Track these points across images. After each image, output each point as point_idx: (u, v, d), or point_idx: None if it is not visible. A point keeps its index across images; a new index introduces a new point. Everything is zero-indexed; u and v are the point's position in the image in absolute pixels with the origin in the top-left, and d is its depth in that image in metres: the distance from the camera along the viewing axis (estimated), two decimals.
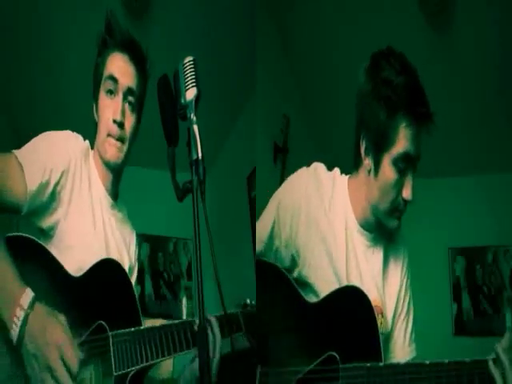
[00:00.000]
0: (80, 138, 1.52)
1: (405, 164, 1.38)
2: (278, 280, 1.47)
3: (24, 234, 1.32)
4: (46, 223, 1.41)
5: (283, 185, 1.57)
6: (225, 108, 3.76)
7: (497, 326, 4.02)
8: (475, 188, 4.11)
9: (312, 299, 1.43)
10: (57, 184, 1.39)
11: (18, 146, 1.40)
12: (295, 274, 1.48)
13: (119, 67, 1.53)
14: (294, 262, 1.48)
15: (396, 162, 1.38)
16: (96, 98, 1.55)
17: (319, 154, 3.96)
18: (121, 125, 1.50)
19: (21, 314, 1.15)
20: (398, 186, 1.40)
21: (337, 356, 1.34)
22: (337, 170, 1.54)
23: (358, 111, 1.46)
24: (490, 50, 3.24)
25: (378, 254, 1.51)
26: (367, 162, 1.43)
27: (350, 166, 1.52)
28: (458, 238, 4.13)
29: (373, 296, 1.42)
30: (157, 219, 4.01)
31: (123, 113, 1.51)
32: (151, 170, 3.82)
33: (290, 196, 1.50)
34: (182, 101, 1.23)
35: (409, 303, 1.55)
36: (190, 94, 1.23)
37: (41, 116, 3.64)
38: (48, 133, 1.45)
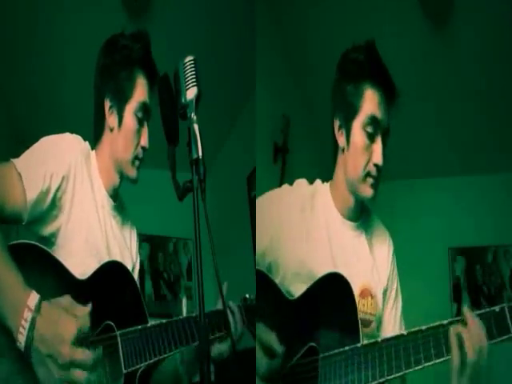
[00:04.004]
0: (80, 139, 1.51)
1: (373, 128, 1.44)
2: (265, 282, 1.50)
3: (27, 241, 1.31)
4: (47, 231, 1.40)
5: (267, 197, 1.63)
6: (225, 108, 3.76)
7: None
8: (475, 188, 4.11)
9: None
10: (57, 190, 1.38)
11: (19, 150, 1.39)
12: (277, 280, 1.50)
13: (146, 94, 1.56)
14: (269, 270, 1.52)
15: (365, 127, 1.44)
16: (121, 113, 1.53)
17: (319, 154, 3.96)
18: (145, 150, 1.56)
19: (28, 315, 1.13)
20: (369, 151, 1.45)
21: (317, 347, 1.34)
22: (318, 181, 1.61)
23: (332, 101, 1.55)
24: (491, 49, 3.24)
25: (364, 241, 1.56)
26: (341, 139, 1.50)
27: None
28: (458, 237, 4.13)
29: (362, 280, 1.47)
30: (157, 219, 4.01)
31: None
32: (151, 169, 3.81)
33: (274, 210, 1.56)
34: (183, 100, 1.23)
35: (397, 288, 1.59)
36: (191, 93, 1.23)
37: (41, 118, 3.64)
38: (46, 138, 1.44)
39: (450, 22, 3.17)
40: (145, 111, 1.54)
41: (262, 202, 1.62)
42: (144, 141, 1.54)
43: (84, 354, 1.15)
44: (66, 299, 1.21)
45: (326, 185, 1.59)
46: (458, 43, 3.27)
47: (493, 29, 3.12)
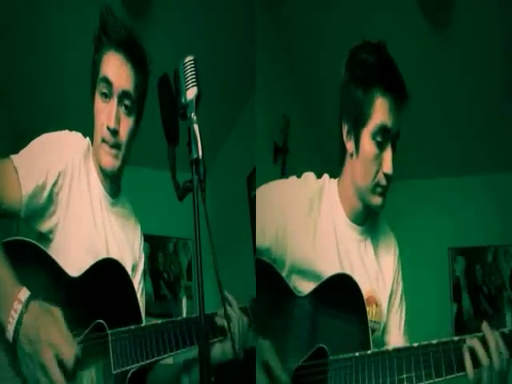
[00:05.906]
0: (79, 136, 1.51)
1: (383, 137, 1.41)
2: (272, 278, 1.47)
3: (22, 238, 1.31)
4: (44, 227, 1.40)
5: (273, 189, 1.58)
6: (225, 108, 3.76)
7: (497, 325, 4.01)
8: (475, 188, 4.11)
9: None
10: (54, 185, 1.38)
11: (19, 147, 1.40)
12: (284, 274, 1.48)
13: (114, 68, 1.45)
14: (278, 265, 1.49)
15: (374, 136, 1.41)
16: (93, 98, 1.50)
17: (319, 154, 3.96)
18: (114, 132, 1.44)
19: (18, 307, 1.14)
20: (378, 160, 1.42)
21: (326, 348, 1.33)
22: (326, 176, 1.57)
23: (340, 102, 1.50)
24: (492, 48, 3.23)
25: (369, 246, 1.53)
26: (350, 145, 1.47)
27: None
28: (458, 237, 4.13)
29: (367, 287, 1.44)
30: (157, 219, 4.01)
31: (118, 119, 1.44)
32: (151, 169, 3.82)
33: (277, 200, 1.52)
34: (183, 100, 1.23)
35: (401, 293, 1.57)
36: (191, 93, 1.23)
37: (41, 115, 3.64)
38: (45, 135, 1.44)
39: (451, 22, 3.17)
40: (128, 99, 1.46)
41: (264, 190, 1.57)
42: (110, 121, 1.44)
43: (59, 377, 1.13)
44: (56, 311, 1.20)
45: (334, 181, 1.54)
46: (460, 43, 3.27)
47: (493, 28, 3.12)
